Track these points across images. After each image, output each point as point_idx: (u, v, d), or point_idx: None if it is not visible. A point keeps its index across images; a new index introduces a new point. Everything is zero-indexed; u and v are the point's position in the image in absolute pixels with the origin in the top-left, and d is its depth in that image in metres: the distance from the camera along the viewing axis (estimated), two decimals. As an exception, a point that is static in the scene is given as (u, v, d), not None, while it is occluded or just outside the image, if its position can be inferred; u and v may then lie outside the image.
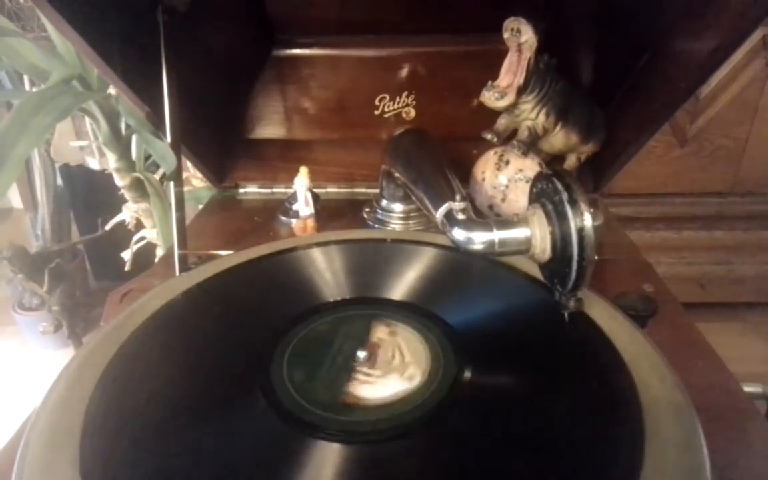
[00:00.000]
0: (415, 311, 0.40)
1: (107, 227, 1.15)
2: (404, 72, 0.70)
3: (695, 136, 1.23)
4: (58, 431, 0.28)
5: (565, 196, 0.32)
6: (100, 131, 0.98)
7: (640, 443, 0.26)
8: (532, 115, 0.60)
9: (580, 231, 0.32)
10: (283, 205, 0.67)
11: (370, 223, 0.64)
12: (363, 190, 0.73)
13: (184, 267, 0.52)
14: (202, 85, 0.64)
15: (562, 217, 0.33)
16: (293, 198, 0.65)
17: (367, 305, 0.42)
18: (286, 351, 0.36)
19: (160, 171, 1.02)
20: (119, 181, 1.03)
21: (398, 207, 0.62)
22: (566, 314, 0.35)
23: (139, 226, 1.10)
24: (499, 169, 0.60)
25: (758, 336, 1.35)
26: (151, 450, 0.28)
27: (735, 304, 1.39)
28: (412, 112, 0.72)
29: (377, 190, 0.65)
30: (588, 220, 0.31)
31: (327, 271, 0.46)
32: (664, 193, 1.30)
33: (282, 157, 0.74)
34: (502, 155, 0.61)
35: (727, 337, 1.32)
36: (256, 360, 0.35)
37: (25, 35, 0.98)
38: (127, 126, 0.98)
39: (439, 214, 0.40)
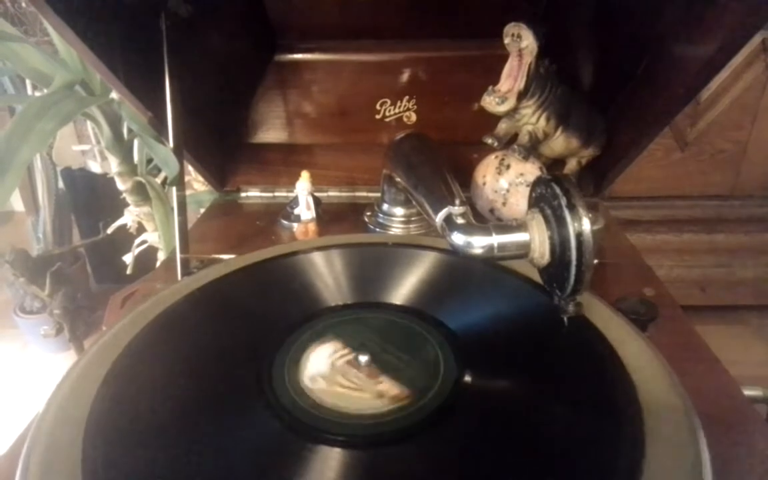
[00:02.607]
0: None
1: (109, 231, 1.16)
2: (405, 77, 0.71)
3: (695, 140, 1.23)
4: (61, 434, 0.28)
5: (563, 200, 0.33)
6: (102, 135, 0.99)
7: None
8: (532, 119, 0.60)
9: (579, 236, 0.32)
10: (285, 209, 0.67)
11: (372, 227, 0.64)
12: (364, 194, 0.73)
13: (186, 271, 0.52)
14: (204, 90, 0.64)
15: (560, 221, 0.33)
16: (295, 202, 0.66)
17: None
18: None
19: (162, 175, 1.02)
20: (121, 184, 1.03)
21: (399, 211, 0.63)
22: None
23: (141, 229, 1.10)
24: (499, 173, 0.60)
25: (759, 339, 1.35)
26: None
27: (735, 307, 1.39)
28: (413, 117, 0.72)
29: (378, 194, 0.65)
30: (586, 225, 0.32)
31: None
32: (665, 196, 1.30)
33: (284, 162, 0.75)
34: (502, 159, 0.61)
35: (727, 340, 1.31)
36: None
37: (28, 40, 0.98)
38: (129, 130, 0.99)
39: (439, 218, 0.40)
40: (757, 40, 1.13)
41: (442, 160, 0.51)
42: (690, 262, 1.33)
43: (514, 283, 0.42)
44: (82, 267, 1.56)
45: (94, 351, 0.35)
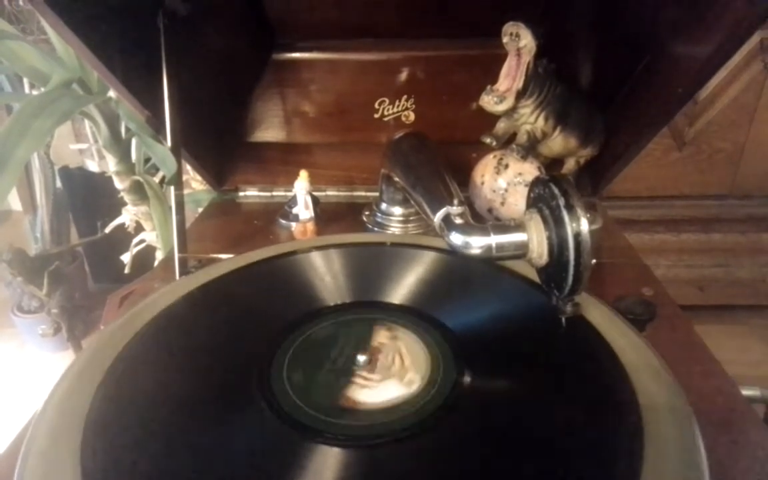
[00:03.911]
0: (415, 315, 0.40)
1: (107, 230, 1.15)
2: (404, 76, 0.71)
3: (693, 139, 1.23)
4: (59, 434, 0.28)
5: (561, 201, 0.33)
6: (99, 134, 0.99)
7: (638, 447, 0.26)
8: (531, 119, 0.60)
9: (577, 236, 0.32)
10: (283, 209, 0.67)
11: (370, 226, 0.64)
12: (362, 193, 0.73)
13: (184, 270, 0.52)
14: (202, 89, 0.64)
15: (558, 222, 0.33)
16: (293, 201, 0.65)
17: (366, 309, 0.42)
18: (286, 355, 0.36)
19: (160, 174, 1.02)
20: (119, 184, 1.03)
21: (397, 210, 0.63)
22: (563, 319, 0.35)
23: (139, 229, 1.10)
24: (498, 172, 0.60)
25: (756, 339, 1.35)
26: (151, 453, 0.28)
27: (733, 306, 1.39)
28: (412, 116, 0.72)
29: (377, 194, 0.65)
30: (584, 226, 0.32)
31: (327, 275, 0.46)
32: (663, 196, 1.30)
33: (282, 161, 0.75)
34: (501, 159, 0.61)
35: (725, 339, 1.32)
36: (257, 364, 0.35)
37: (25, 38, 0.98)
38: (127, 129, 0.99)
39: (437, 218, 0.40)
40: (755, 40, 1.13)
41: (440, 159, 0.51)
42: (688, 261, 1.33)
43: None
44: (80, 266, 1.56)
45: (92, 350, 0.35)
